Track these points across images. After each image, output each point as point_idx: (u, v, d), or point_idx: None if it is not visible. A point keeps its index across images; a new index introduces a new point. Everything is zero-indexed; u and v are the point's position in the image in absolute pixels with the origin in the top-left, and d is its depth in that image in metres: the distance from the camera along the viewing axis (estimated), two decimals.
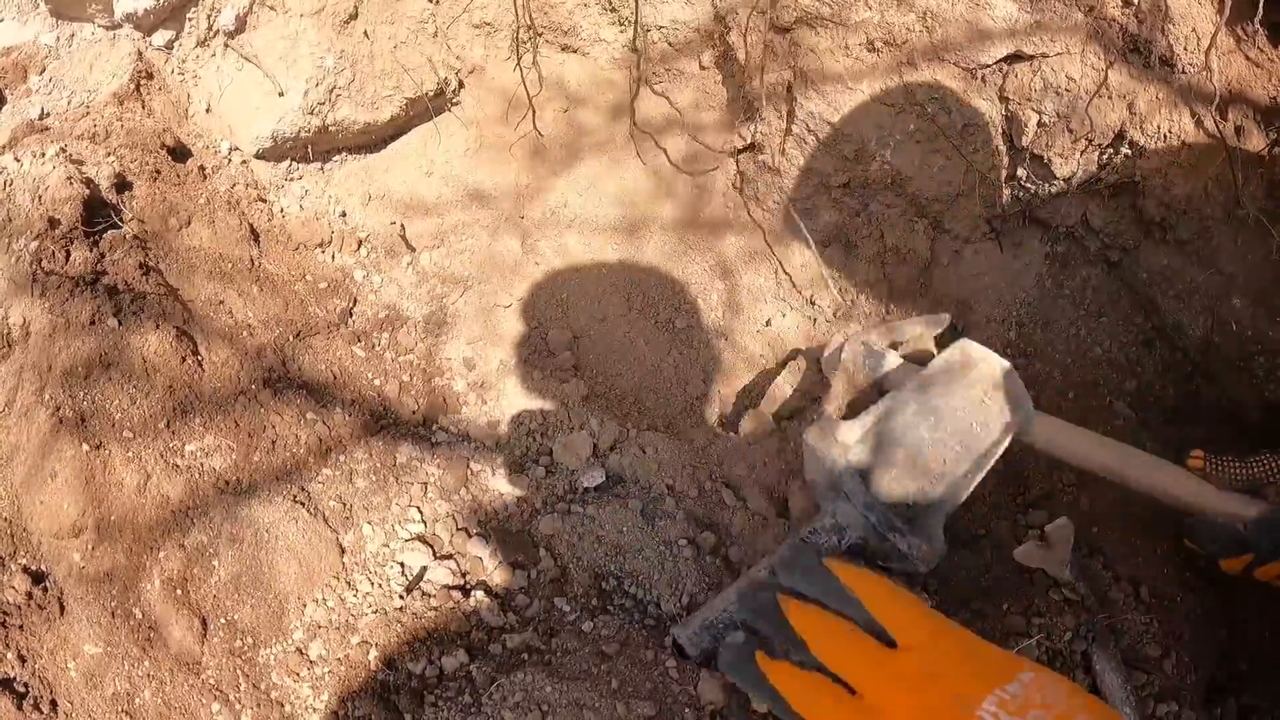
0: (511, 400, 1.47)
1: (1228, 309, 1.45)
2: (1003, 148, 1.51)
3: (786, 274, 1.65)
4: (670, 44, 1.61)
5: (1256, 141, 1.43)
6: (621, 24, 1.60)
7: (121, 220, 1.32)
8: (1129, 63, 1.46)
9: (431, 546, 1.24)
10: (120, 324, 1.22)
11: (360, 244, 1.60)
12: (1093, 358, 1.49)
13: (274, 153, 1.55)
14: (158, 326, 1.24)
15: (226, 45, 1.53)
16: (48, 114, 1.51)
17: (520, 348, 1.54)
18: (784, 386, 1.42)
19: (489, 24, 1.60)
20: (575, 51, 1.66)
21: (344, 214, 1.63)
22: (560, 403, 1.46)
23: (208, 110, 1.55)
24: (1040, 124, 1.47)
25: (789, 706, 0.70)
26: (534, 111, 1.63)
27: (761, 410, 1.43)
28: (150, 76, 1.54)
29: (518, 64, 1.59)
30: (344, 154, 1.63)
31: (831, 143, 1.55)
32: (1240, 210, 1.44)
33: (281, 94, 1.50)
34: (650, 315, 1.61)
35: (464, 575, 1.22)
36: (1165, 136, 1.43)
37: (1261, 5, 1.38)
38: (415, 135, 1.68)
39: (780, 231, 1.66)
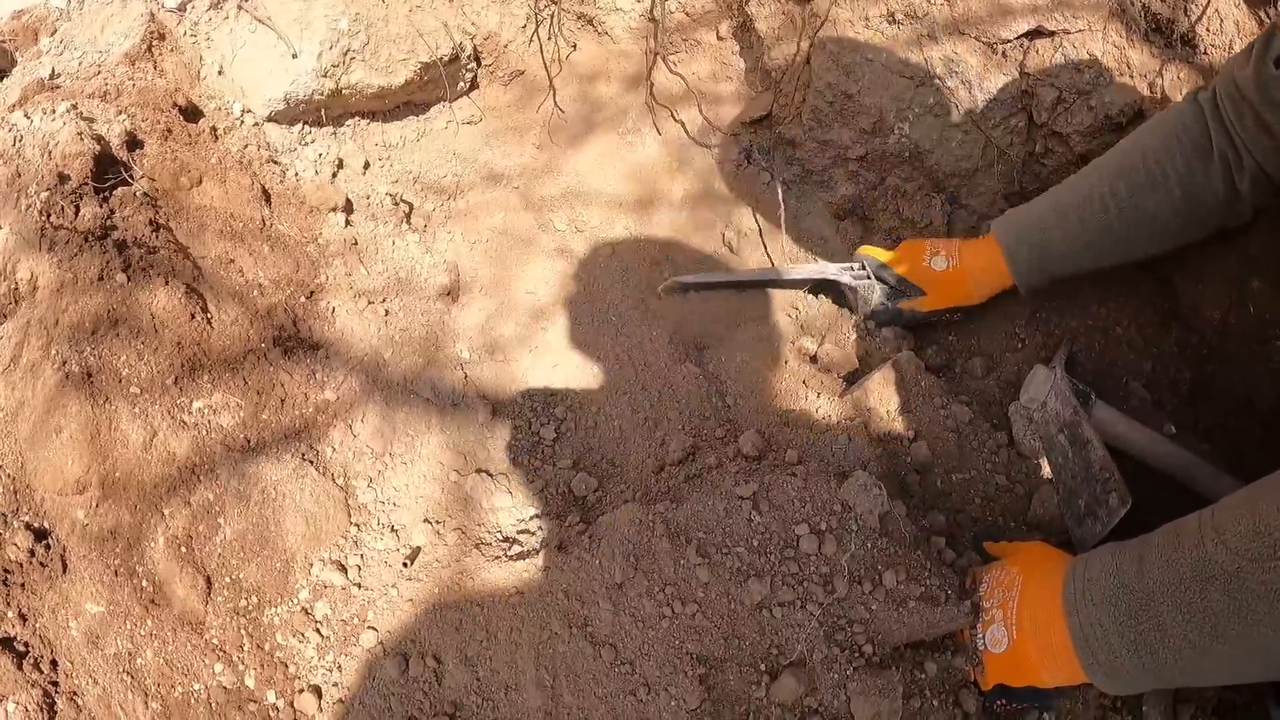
0: (522, 367, 1.45)
1: (1247, 291, 1.43)
2: (1022, 124, 1.50)
3: (800, 248, 1.64)
4: (688, 14, 1.60)
5: None
6: None
7: (132, 178, 1.30)
8: (1150, 42, 1.45)
9: (440, 501, 1.23)
10: (129, 280, 1.20)
11: (372, 209, 1.59)
12: (1111, 337, 1.48)
13: (286, 115, 1.53)
14: (167, 283, 1.22)
15: (240, 7, 1.51)
16: (59, 74, 1.49)
17: (532, 319, 1.53)
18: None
19: None
20: (591, 21, 1.65)
21: (356, 178, 1.61)
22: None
23: (220, 72, 1.53)
24: (1060, 100, 1.45)
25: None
26: (551, 81, 1.62)
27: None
28: (162, 38, 1.53)
29: (534, 32, 1.58)
30: (357, 118, 1.61)
31: (849, 115, 1.54)
32: None
33: (295, 56, 1.48)
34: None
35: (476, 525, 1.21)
36: None
37: None
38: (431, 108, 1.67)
39: (795, 204, 1.65)
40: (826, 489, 1.08)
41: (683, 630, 1.01)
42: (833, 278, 1.52)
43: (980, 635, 1.07)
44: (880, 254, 1.51)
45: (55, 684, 1.10)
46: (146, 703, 1.10)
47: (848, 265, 1.53)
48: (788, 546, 1.05)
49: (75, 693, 1.11)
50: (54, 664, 1.11)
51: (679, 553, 1.04)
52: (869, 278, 1.50)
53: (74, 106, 1.34)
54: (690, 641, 1.01)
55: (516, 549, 1.14)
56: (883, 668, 1.04)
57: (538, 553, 1.11)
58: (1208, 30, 1.42)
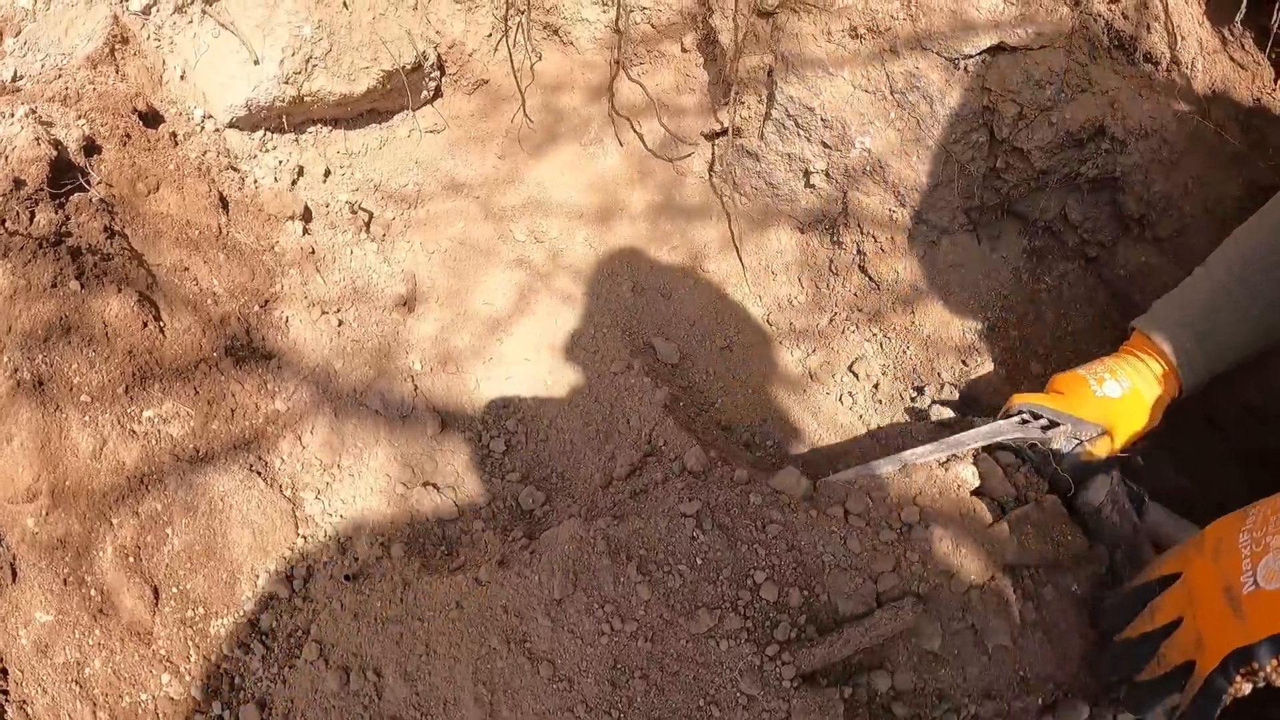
0: (475, 378, 1.45)
1: None
2: (983, 139, 1.50)
3: (760, 261, 1.64)
4: (652, 25, 1.59)
5: (1238, 141, 1.42)
6: (604, 3, 1.59)
7: (89, 183, 1.30)
8: (1113, 59, 1.45)
9: (386, 514, 1.23)
10: (82, 287, 1.20)
11: (331, 217, 1.58)
12: (1070, 354, 1.49)
13: (248, 122, 1.53)
14: (120, 291, 1.22)
15: (204, 12, 1.51)
16: (21, 76, 1.48)
17: (488, 330, 1.53)
18: None
19: None
20: (557, 31, 1.65)
21: (316, 186, 1.61)
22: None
23: (182, 77, 1.52)
24: (1021, 116, 1.46)
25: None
26: (520, 91, 1.61)
27: None
28: (125, 41, 1.52)
29: (499, 42, 1.57)
30: (319, 126, 1.61)
31: (811, 129, 1.54)
32: (1219, 208, 1.43)
33: (257, 62, 1.48)
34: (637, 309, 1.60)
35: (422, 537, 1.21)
36: (1147, 133, 1.42)
37: (1244, 6, 1.38)
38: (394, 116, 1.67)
39: (757, 217, 1.65)
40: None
41: (622, 648, 1.01)
42: (1010, 437, 1.25)
43: (1248, 575, 0.88)
44: (1041, 399, 1.29)
45: (4, 692, 1.11)
46: (95, 712, 1.11)
47: (1017, 419, 1.29)
48: (738, 573, 1.05)
49: (25, 701, 1.11)
50: (3, 672, 1.11)
51: (619, 569, 1.05)
52: (1051, 425, 1.26)
53: (33, 110, 1.34)
54: (630, 659, 1.01)
55: (458, 563, 1.15)
56: (824, 686, 1.04)
57: (479, 567, 1.11)
58: (1169, 48, 1.42)
